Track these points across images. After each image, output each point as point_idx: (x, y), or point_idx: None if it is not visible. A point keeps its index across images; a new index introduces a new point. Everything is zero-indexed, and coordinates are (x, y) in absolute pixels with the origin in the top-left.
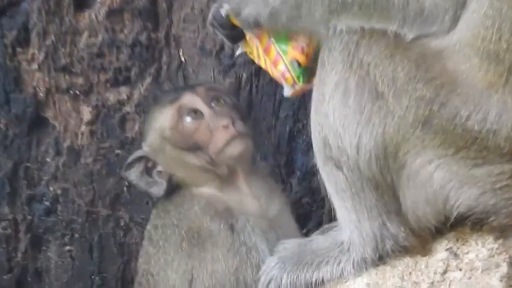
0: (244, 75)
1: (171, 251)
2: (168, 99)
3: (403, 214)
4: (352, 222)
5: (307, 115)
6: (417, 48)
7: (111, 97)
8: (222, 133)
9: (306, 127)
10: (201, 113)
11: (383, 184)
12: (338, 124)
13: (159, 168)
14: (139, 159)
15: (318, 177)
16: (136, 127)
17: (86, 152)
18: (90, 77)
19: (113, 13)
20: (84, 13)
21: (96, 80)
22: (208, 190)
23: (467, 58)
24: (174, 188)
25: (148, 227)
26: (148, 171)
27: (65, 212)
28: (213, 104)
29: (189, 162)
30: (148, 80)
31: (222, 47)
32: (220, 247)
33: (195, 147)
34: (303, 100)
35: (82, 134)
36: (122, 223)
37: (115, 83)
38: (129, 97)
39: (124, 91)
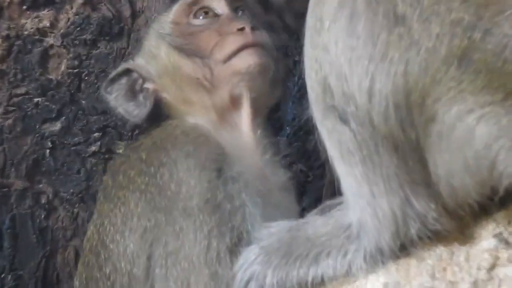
0: None
1: (131, 201)
2: None
3: (434, 186)
4: (363, 197)
5: (299, 48)
6: None
7: (28, 24)
8: (234, 37)
9: (298, 65)
10: (217, 16)
11: (405, 144)
12: (342, 61)
13: (147, 84)
14: (126, 72)
15: (316, 135)
16: (63, 66)
17: None
18: None
19: None
20: None
21: (7, 1)
22: (199, 123)
23: None
24: (162, 117)
25: (105, 177)
26: (133, 90)
27: None
28: (237, 11)
29: (182, 71)
30: (80, 0)
31: None
32: (197, 196)
33: (195, 52)
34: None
35: None
36: (43, 200)
37: (34, 5)
38: (53, 24)
39: (46, 15)
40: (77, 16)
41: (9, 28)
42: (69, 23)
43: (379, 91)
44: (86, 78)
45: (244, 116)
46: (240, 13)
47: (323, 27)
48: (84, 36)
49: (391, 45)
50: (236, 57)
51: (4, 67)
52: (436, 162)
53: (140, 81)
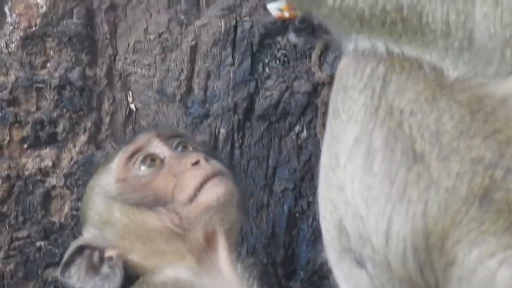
0: (222, 130)
1: None
2: (111, 155)
3: None
4: None
5: (313, 188)
6: (469, 91)
7: (30, 163)
8: (193, 173)
9: (312, 205)
10: (160, 160)
11: None
12: (358, 200)
13: (108, 252)
14: (79, 250)
15: (331, 279)
16: (66, 208)
17: None
18: None
19: (31, 40)
20: None
21: (7, 139)
22: (175, 273)
23: None
24: (132, 279)
25: None
26: (93, 265)
27: None
28: (177, 149)
29: (148, 225)
30: (83, 138)
31: (189, 89)
32: None
33: (155, 202)
34: (309, 166)
35: None
36: None
37: (35, 143)
38: (55, 164)
39: (48, 154)
40: (80, 155)
41: (9, 168)
42: (72, 162)
43: (397, 233)
44: None
45: (222, 253)
46: (180, 148)
47: (339, 164)
48: (88, 176)
49: (409, 184)
50: (202, 193)
51: (4, 209)
52: None
53: (97, 254)
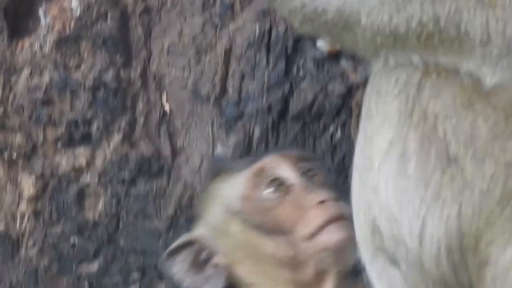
0: (257, 131)
1: None
2: (240, 165)
3: None
4: None
5: (348, 189)
6: (504, 95)
7: (64, 162)
8: (317, 211)
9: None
10: (287, 187)
11: None
12: (392, 202)
13: (216, 258)
14: (190, 243)
15: (364, 277)
16: (100, 205)
17: (28, 240)
18: (32, 134)
19: (65, 42)
20: (23, 41)
21: (42, 139)
22: None
23: None
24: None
25: None
26: (198, 262)
27: None
28: (305, 177)
29: (263, 249)
30: (117, 138)
31: (224, 90)
32: None
33: (276, 230)
34: (343, 166)
35: (23, 215)
36: None
37: (69, 142)
38: (89, 163)
39: (82, 153)
40: (114, 154)
41: (43, 166)
42: (106, 161)
43: (431, 234)
44: (124, 218)
45: None
46: (307, 176)
47: (373, 166)
48: (122, 175)
49: (444, 187)
50: (324, 233)
51: (39, 206)
52: None
53: (205, 253)
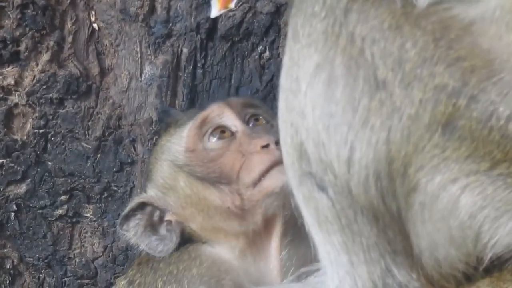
0: (185, 50)
1: None
2: (186, 117)
3: (416, 256)
4: (342, 266)
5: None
6: (434, 16)
7: None
8: (261, 156)
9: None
10: (232, 133)
11: (385, 214)
12: (320, 127)
13: (168, 216)
14: (141, 206)
15: (292, 201)
16: (29, 126)
17: None
18: None
19: None
20: None
21: None
22: (223, 252)
23: (509, 31)
24: (184, 242)
25: (123, 281)
26: (152, 224)
27: None
28: (249, 123)
29: (209, 202)
30: (46, 57)
31: (152, 9)
32: None
33: (220, 179)
34: (271, 86)
35: None
36: (8, 265)
37: None
38: (17, 82)
39: (10, 73)
40: (43, 74)
41: None
42: (34, 80)
43: (359, 160)
44: (52, 138)
45: (275, 238)
46: (252, 123)
47: (300, 89)
48: (51, 95)
49: (372, 112)
50: (267, 178)
51: None
52: (419, 234)
53: (157, 213)
